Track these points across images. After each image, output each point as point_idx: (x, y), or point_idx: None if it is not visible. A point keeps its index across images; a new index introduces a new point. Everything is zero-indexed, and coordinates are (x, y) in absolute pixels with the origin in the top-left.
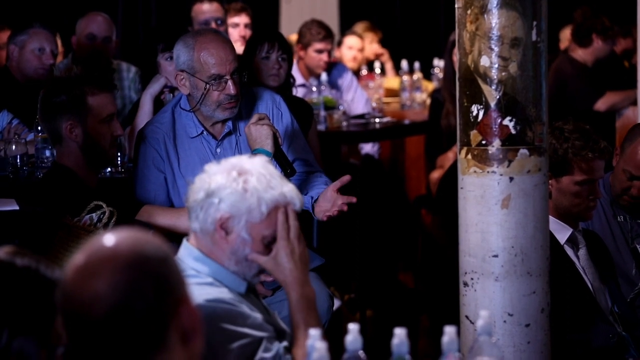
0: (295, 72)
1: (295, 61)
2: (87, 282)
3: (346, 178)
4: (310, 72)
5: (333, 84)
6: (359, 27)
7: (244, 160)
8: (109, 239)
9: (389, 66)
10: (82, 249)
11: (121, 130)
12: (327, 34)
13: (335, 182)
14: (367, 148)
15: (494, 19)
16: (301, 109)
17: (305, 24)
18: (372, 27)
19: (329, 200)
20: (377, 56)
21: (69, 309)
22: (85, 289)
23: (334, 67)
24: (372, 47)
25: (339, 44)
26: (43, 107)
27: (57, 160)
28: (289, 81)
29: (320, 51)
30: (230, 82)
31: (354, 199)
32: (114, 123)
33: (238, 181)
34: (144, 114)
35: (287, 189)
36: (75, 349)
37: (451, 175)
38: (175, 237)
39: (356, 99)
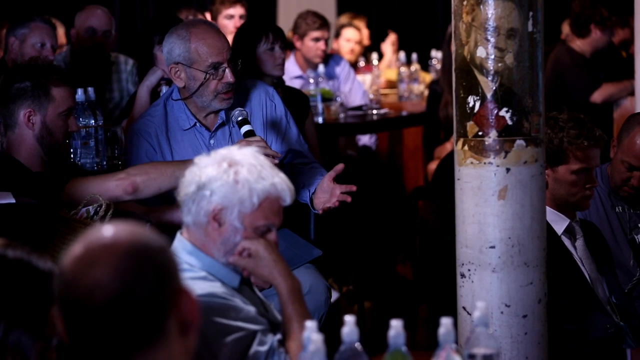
0: (293, 63)
1: (292, 53)
2: (88, 270)
3: (340, 167)
4: (308, 63)
5: (330, 75)
6: (345, 19)
7: (234, 152)
8: (107, 229)
9: (392, 49)
10: (80, 240)
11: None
12: (323, 23)
13: (329, 172)
14: (365, 140)
15: (490, 10)
16: (297, 100)
17: (300, 14)
18: (355, 14)
19: (326, 191)
20: (389, 33)
21: (69, 299)
22: (86, 277)
23: (330, 58)
24: (364, 32)
25: (337, 35)
26: (2, 90)
27: (7, 151)
28: None
29: (317, 39)
30: (228, 70)
31: (354, 188)
32: (71, 119)
33: (229, 173)
34: (141, 106)
35: (278, 179)
36: (75, 339)
37: (446, 162)
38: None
39: (354, 91)
